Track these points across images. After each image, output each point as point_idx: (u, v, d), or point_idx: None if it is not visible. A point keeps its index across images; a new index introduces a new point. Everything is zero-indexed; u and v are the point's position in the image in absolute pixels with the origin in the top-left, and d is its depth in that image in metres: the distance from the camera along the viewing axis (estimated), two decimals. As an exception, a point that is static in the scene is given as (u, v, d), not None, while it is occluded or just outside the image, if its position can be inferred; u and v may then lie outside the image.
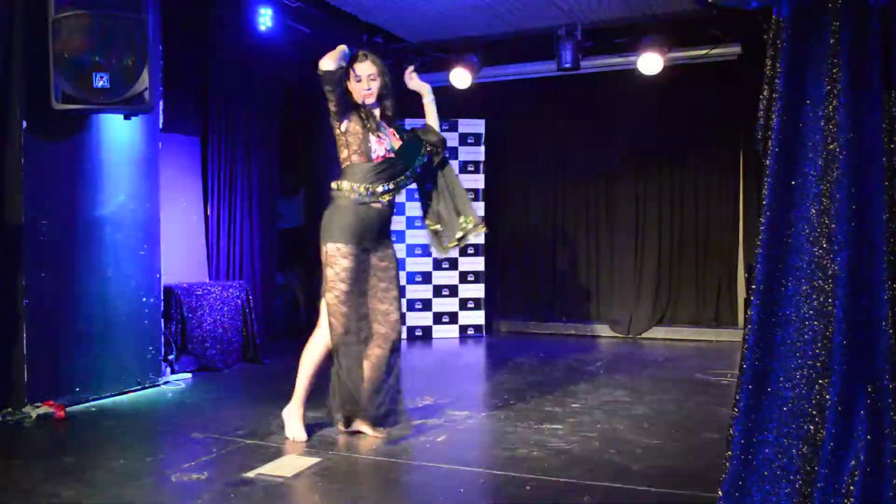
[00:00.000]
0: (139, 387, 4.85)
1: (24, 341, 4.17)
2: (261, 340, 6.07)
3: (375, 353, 3.66)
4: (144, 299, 4.91)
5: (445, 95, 7.59)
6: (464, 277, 7.67)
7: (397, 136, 3.80)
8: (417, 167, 3.81)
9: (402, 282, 7.54)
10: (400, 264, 7.39)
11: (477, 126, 7.70)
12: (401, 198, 7.73)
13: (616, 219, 8.02)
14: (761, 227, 2.46)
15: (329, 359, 3.69)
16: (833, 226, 2.36)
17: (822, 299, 2.38)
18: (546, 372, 5.60)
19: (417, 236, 7.54)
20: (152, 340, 4.97)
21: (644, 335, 7.61)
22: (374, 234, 3.70)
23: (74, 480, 3.11)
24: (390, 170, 3.70)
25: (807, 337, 2.40)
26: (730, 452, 2.42)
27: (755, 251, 2.48)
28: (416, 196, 4.06)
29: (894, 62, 2.37)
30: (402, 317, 3.81)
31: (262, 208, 6.64)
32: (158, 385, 4.99)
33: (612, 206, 8.04)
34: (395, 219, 7.89)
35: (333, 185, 3.71)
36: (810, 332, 2.39)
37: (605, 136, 7.91)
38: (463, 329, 7.65)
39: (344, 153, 3.73)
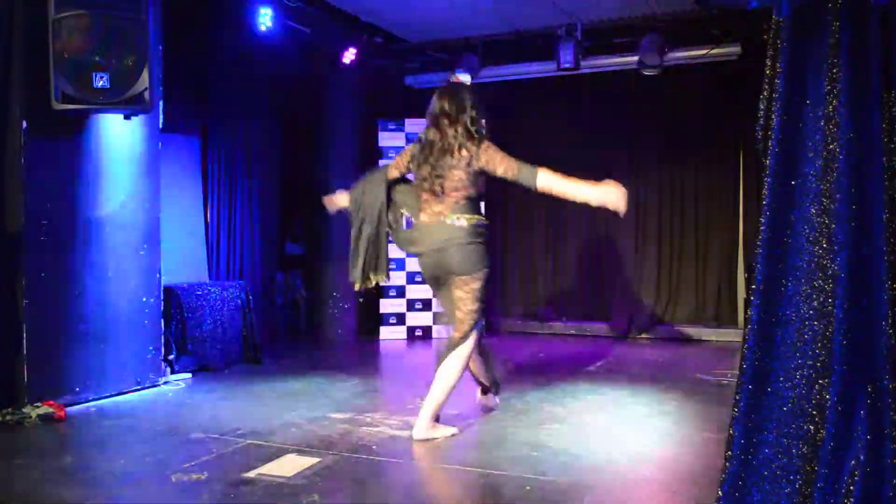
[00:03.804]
0: (139, 387, 4.85)
1: (24, 341, 4.17)
2: (261, 340, 6.06)
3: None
4: (144, 299, 4.91)
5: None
6: (464, 277, 7.67)
7: None
8: None
9: (402, 282, 7.56)
10: (400, 264, 7.49)
11: (477, 126, 7.69)
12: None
13: (616, 219, 7.96)
14: (761, 227, 2.46)
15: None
16: (833, 226, 2.35)
17: (822, 299, 2.38)
18: (546, 372, 5.60)
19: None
20: (152, 340, 4.97)
21: (644, 335, 7.61)
22: None
23: (74, 480, 3.11)
24: None
25: (807, 337, 2.40)
26: (730, 452, 2.42)
27: (755, 251, 2.48)
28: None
29: (894, 62, 2.37)
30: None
31: (262, 208, 6.65)
32: (158, 385, 4.99)
33: (611, 206, 8.03)
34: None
35: (481, 219, 3.84)
36: (810, 332, 2.39)
37: (605, 135, 7.91)
38: (463, 329, 7.64)
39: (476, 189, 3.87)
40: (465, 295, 3.79)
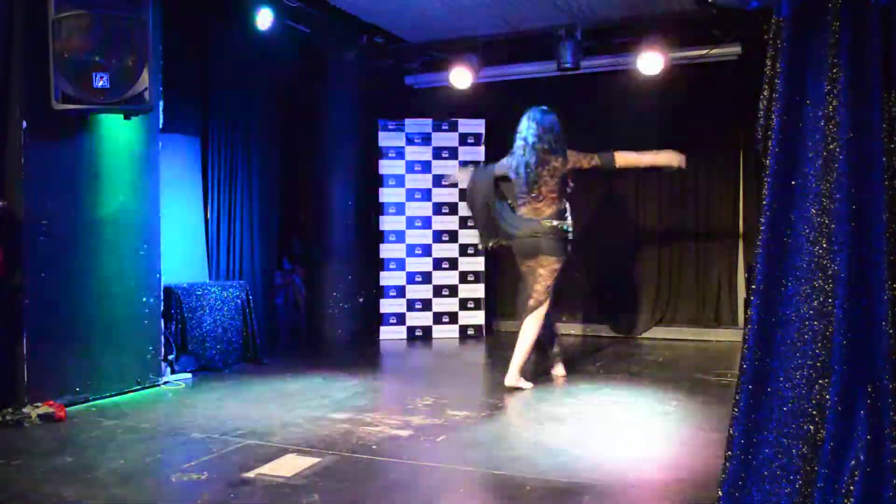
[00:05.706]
0: (139, 387, 4.85)
1: (24, 341, 4.18)
2: (261, 340, 6.06)
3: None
4: (144, 299, 4.91)
5: (445, 95, 7.63)
6: (464, 277, 7.67)
7: None
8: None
9: (402, 282, 7.56)
10: (400, 264, 7.50)
11: (477, 126, 7.69)
12: (400, 198, 7.73)
13: (616, 219, 8.00)
14: (761, 227, 2.46)
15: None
16: (833, 226, 2.36)
17: (822, 299, 2.38)
18: (546, 372, 5.59)
19: (417, 236, 7.54)
20: (152, 340, 4.97)
21: (644, 335, 7.61)
22: None
23: (74, 480, 3.11)
24: None
25: (807, 337, 2.40)
26: (730, 452, 2.43)
27: (755, 251, 2.48)
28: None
29: (894, 62, 2.37)
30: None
31: (262, 208, 6.65)
32: (158, 385, 4.99)
33: (611, 205, 8.03)
34: (395, 219, 7.84)
35: (565, 223, 5.01)
36: (810, 332, 2.39)
37: (605, 136, 7.88)
38: (463, 329, 7.64)
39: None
40: (545, 272, 4.94)
